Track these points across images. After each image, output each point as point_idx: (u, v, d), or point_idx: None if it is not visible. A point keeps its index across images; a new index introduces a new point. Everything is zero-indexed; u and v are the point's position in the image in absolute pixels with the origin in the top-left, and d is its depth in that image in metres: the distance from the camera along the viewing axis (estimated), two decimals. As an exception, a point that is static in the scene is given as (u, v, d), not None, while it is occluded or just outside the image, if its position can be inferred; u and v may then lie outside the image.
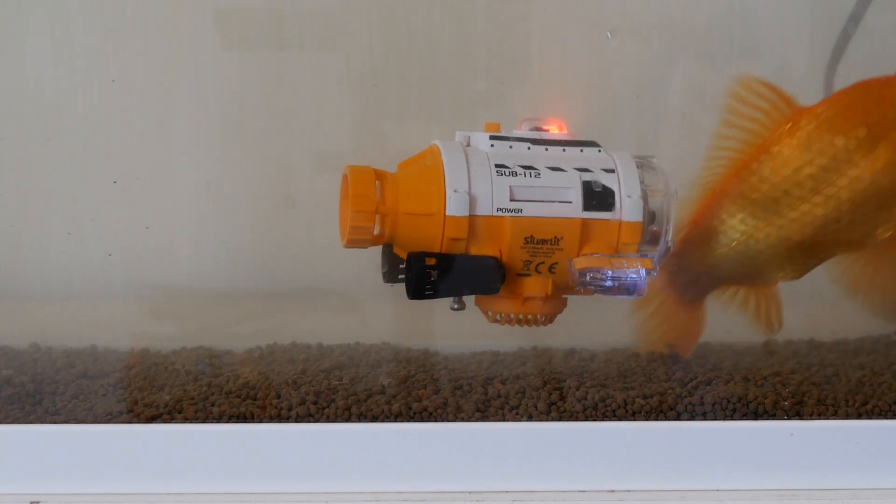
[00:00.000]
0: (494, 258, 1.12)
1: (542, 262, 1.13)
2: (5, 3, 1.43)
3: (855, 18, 1.40)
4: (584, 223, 1.13)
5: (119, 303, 1.42)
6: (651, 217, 1.14)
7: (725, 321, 1.29)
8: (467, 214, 1.11)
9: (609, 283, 1.11)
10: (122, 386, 1.21)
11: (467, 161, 1.13)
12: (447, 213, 1.11)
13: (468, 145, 1.16)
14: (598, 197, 1.13)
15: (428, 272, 1.11)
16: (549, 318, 1.16)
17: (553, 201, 1.13)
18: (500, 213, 1.12)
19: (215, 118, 1.44)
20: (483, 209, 1.12)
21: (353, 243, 1.13)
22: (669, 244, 1.16)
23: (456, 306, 1.16)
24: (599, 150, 1.16)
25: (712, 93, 1.37)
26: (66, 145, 1.44)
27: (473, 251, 1.12)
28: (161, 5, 1.42)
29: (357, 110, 1.43)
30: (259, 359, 1.30)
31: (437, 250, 1.12)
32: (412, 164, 1.15)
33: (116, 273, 1.43)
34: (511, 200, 1.12)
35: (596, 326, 1.32)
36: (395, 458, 1.08)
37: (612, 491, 1.08)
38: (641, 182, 1.14)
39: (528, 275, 1.13)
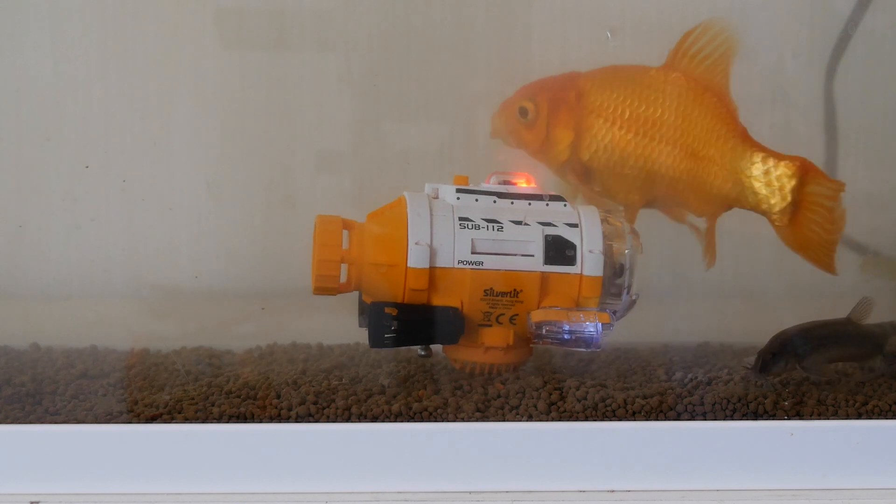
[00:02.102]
0: (454, 309, 1.16)
1: (503, 314, 1.17)
2: (5, 3, 1.43)
3: (854, 19, 1.40)
4: (544, 277, 1.16)
5: (119, 303, 1.42)
6: (619, 271, 1.17)
7: (726, 321, 1.29)
8: (428, 266, 1.15)
9: (565, 337, 1.15)
10: (122, 386, 1.21)
11: (431, 214, 1.16)
12: (408, 265, 1.15)
13: (436, 197, 1.19)
14: (559, 251, 1.16)
15: (386, 321, 1.14)
16: (513, 368, 1.20)
17: (514, 255, 1.16)
18: (461, 266, 1.16)
19: (215, 118, 1.44)
20: (444, 261, 1.16)
21: (320, 290, 1.17)
22: (635, 298, 1.19)
23: (423, 353, 1.19)
24: (565, 205, 1.19)
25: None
26: (66, 145, 1.44)
27: (435, 301, 1.16)
28: (161, 5, 1.42)
29: (357, 110, 1.43)
30: (259, 359, 1.30)
31: (399, 300, 1.16)
32: (379, 214, 1.19)
33: (116, 273, 1.43)
34: (472, 253, 1.16)
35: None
36: (395, 458, 1.08)
37: (612, 491, 1.08)
38: (605, 237, 1.17)
39: (490, 325, 1.17)
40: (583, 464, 1.08)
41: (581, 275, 1.16)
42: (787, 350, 1.16)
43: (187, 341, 1.33)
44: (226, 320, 1.37)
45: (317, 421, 1.12)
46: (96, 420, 1.12)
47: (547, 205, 1.19)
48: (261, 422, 1.12)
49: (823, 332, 1.20)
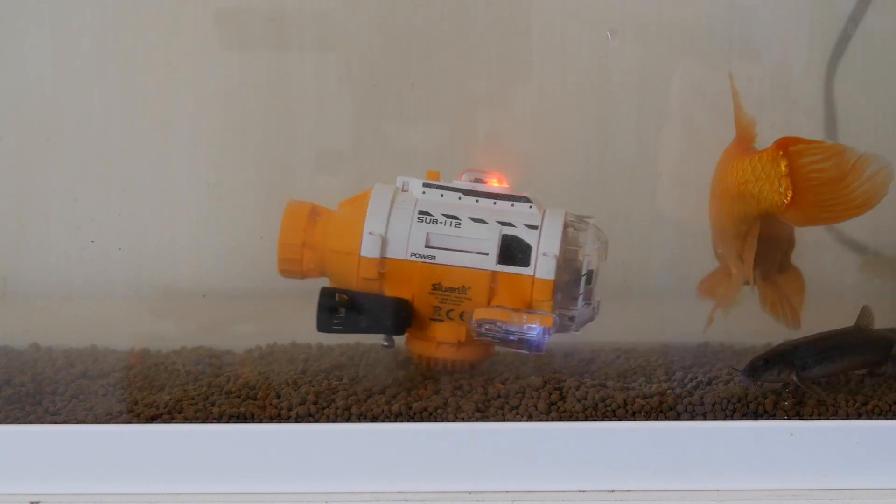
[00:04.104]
0: (403, 300, 1.17)
1: (452, 310, 1.17)
2: (5, 3, 1.43)
3: (854, 19, 1.40)
4: (495, 276, 1.17)
5: (119, 303, 1.42)
6: (587, 277, 1.18)
7: (726, 322, 1.29)
8: (379, 256, 1.16)
9: (504, 336, 1.15)
10: (122, 386, 1.21)
11: (392, 205, 1.18)
12: (361, 254, 1.16)
13: (405, 190, 1.20)
14: (513, 252, 1.17)
15: (331, 307, 1.16)
16: (469, 365, 1.20)
17: (468, 252, 1.17)
18: (413, 258, 1.17)
19: (215, 118, 1.44)
20: (397, 253, 1.17)
21: (285, 273, 1.20)
22: (594, 306, 1.19)
23: (386, 343, 1.21)
24: (531, 206, 1.19)
25: (712, 93, 1.37)
26: (66, 145, 1.44)
27: (388, 292, 1.18)
28: (161, 5, 1.42)
29: (357, 110, 1.43)
30: (259, 359, 1.30)
31: (353, 288, 1.17)
32: (348, 203, 1.20)
33: (116, 273, 1.43)
34: (426, 247, 1.17)
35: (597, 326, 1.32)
36: (395, 458, 1.08)
37: (612, 491, 1.08)
38: (565, 241, 1.17)
39: (441, 320, 1.18)
40: (583, 464, 1.08)
41: (533, 277, 1.17)
42: (783, 360, 1.15)
43: (187, 341, 1.33)
44: (226, 320, 1.37)
45: (317, 421, 1.12)
46: (96, 420, 1.12)
47: (512, 205, 1.19)
48: (261, 422, 1.12)
49: (828, 344, 1.19)
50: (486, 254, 1.17)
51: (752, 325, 1.28)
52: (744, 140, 1.21)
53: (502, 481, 1.07)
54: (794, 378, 1.14)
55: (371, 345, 1.32)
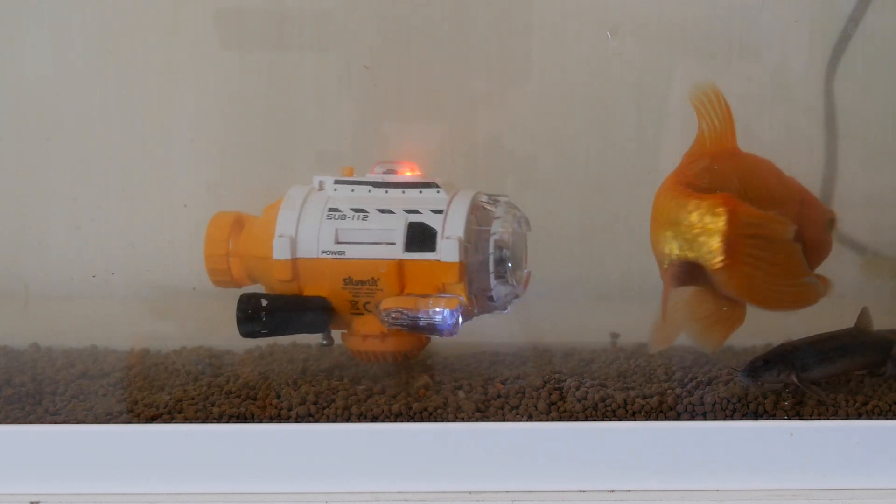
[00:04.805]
0: (320, 298, 1.18)
1: (368, 302, 1.18)
2: (5, 3, 1.43)
3: (854, 19, 1.40)
4: (403, 264, 1.17)
5: (119, 303, 1.42)
6: (498, 255, 1.18)
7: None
8: (290, 257, 1.18)
9: (413, 323, 1.16)
10: (122, 386, 1.21)
11: (303, 206, 1.19)
12: (273, 257, 1.18)
13: (321, 189, 1.21)
14: (419, 238, 1.17)
15: (248, 313, 1.17)
16: (402, 356, 1.21)
17: (377, 243, 1.18)
18: (324, 256, 1.18)
19: (215, 118, 1.44)
20: (309, 252, 1.18)
21: (217, 283, 1.23)
22: (514, 285, 1.19)
23: (325, 342, 1.23)
24: (438, 191, 1.19)
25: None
26: (66, 145, 1.44)
27: (307, 292, 1.19)
28: (161, 5, 1.42)
29: (357, 110, 1.43)
30: (259, 359, 1.30)
31: (275, 291, 1.19)
32: (270, 209, 1.22)
33: (116, 273, 1.43)
34: (336, 243, 1.18)
35: (597, 326, 1.32)
36: (395, 458, 1.08)
37: (612, 491, 1.08)
38: (475, 223, 1.18)
39: (361, 314, 1.19)
40: (583, 464, 1.08)
41: (439, 261, 1.17)
42: (783, 360, 1.15)
43: (187, 341, 1.33)
44: (226, 320, 1.36)
45: (317, 421, 1.12)
46: (96, 420, 1.12)
47: (420, 192, 1.20)
48: (261, 422, 1.12)
49: (827, 346, 1.19)
50: (394, 243, 1.18)
51: (752, 325, 1.28)
52: (687, 173, 1.16)
53: (502, 481, 1.07)
54: (794, 379, 1.14)
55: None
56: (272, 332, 1.18)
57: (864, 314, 1.21)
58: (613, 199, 1.44)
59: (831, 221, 1.23)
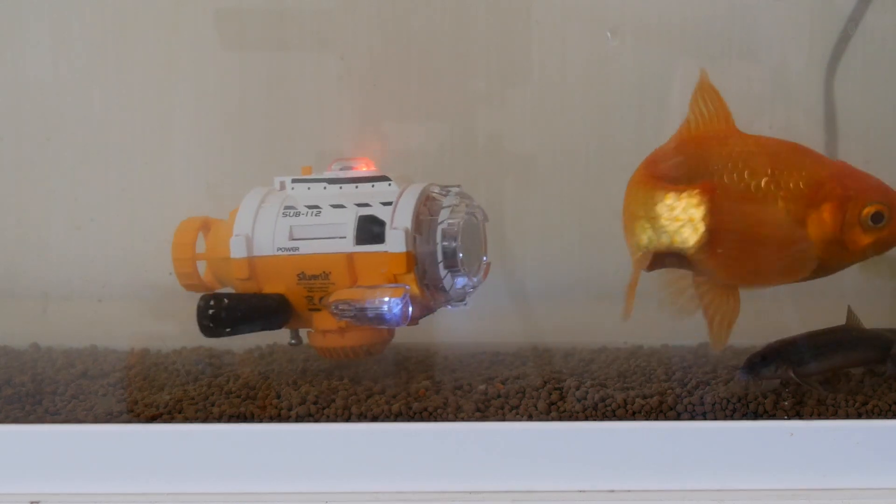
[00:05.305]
0: (278, 296, 1.19)
1: (323, 297, 1.19)
2: (5, 3, 1.43)
3: (854, 19, 1.40)
4: (353, 257, 1.18)
5: (119, 303, 1.42)
6: (447, 246, 1.18)
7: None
8: (246, 256, 1.19)
9: (362, 315, 1.16)
10: (122, 386, 1.21)
11: (260, 206, 1.21)
12: (231, 256, 1.19)
13: (282, 189, 1.23)
14: (368, 231, 1.18)
15: (207, 313, 1.18)
16: (362, 351, 1.21)
17: (330, 238, 1.19)
18: (279, 253, 1.19)
19: (215, 118, 1.44)
20: (265, 250, 1.20)
21: (188, 287, 1.24)
22: (468, 276, 1.20)
23: (293, 341, 1.24)
24: (389, 184, 1.20)
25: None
26: (66, 145, 1.44)
27: (266, 290, 1.20)
28: (161, 5, 1.42)
29: (357, 110, 1.43)
30: (259, 359, 1.30)
31: (237, 291, 1.21)
32: (234, 212, 1.23)
33: (116, 273, 1.43)
34: (290, 240, 1.19)
35: (596, 326, 1.32)
36: (395, 458, 1.08)
37: (612, 491, 1.08)
38: (426, 213, 1.18)
39: (319, 310, 1.20)
40: (583, 464, 1.08)
41: (387, 252, 1.17)
42: (779, 356, 1.16)
43: (187, 341, 1.33)
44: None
45: (317, 421, 1.12)
46: (96, 420, 1.12)
47: (373, 186, 1.21)
48: (261, 422, 1.12)
49: (822, 340, 1.19)
50: (345, 237, 1.18)
51: (751, 326, 1.28)
52: (661, 166, 1.17)
53: (502, 481, 1.07)
54: (791, 374, 1.14)
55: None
56: (233, 332, 1.19)
57: (849, 312, 1.21)
58: (613, 199, 1.44)
59: (875, 216, 1.14)
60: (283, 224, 1.20)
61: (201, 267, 1.25)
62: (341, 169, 1.23)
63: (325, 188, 1.22)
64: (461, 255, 1.18)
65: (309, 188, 1.22)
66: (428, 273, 1.18)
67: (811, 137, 1.42)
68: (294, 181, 1.23)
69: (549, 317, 1.36)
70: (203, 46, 1.42)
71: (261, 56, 1.42)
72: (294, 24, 1.41)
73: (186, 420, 1.12)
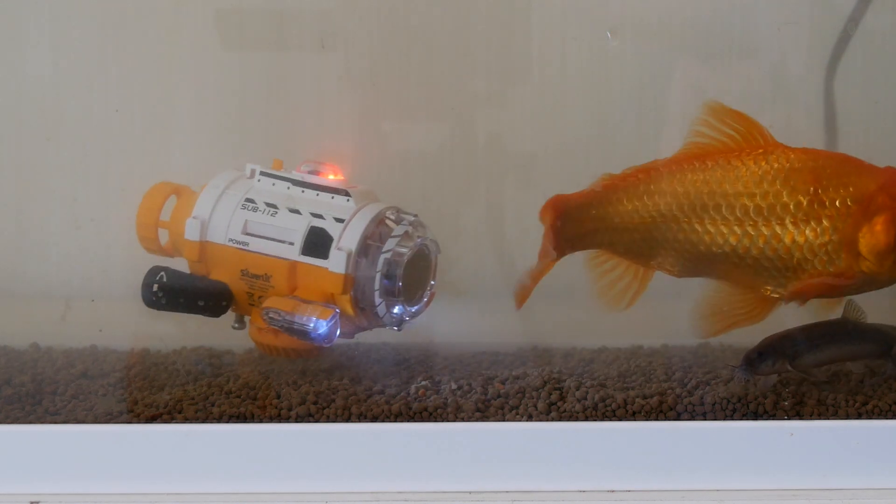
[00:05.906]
0: (219, 283, 1.20)
1: (262, 297, 1.19)
2: (5, 3, 1.43)
3: (854, 19, 1.40)
4: (296, 266, 1.19)
5: (119, 303, 1.42)
6: (387, 274, 1.18)
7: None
8: (198, 240, 1.20)
9: (288, 326, 1.16)
10: (122, 386, 1.21)
11: (224, 191, 1.21)
12: (184, 237, 1.20)
13: (251, 178, 1.23)
14: (315, 244, 1.18)
15: (151, 285, 1.19)
16: (294, 353, 1.20)
17: (279, 241, 1.19)
18: (229, 244, 1.20)
19: (215, 118, 1.44)
20: (217, 237, 1.20)
21: (148, 251, 1.25)
22: (405, 306, 1.20)
23: (235, 325, 1.25)
24: (348, 200, 1.20)
25: (712, 93, 1.37)
26: (66, 145, 1.44)
27: (214, 275, 1.21)
28: (161, 5, 1.42)
29: (357, 110, 1.43)
30: (259, 359, 1.30)
31: (188, 270, 1.22)
32: (205, 186, 1.23)
33: (116, 273, 1.43)
34: (243, 234, 1.20)
35: (595, 326, 1.32)
36: (395, 458, 1.08)
37: (612, 491, 1.08)
38: (374, 238, 1.18)
39: (258, 307, 1.20)
40: (583, 464, 1.08)
41: (328, 270, 1.17)
42: (775, 350, 1.15)
43: (187, 341, 1.33)
44: (225, 319, 1.36)
45: (317, 421, 1.12)
46: (96, 420, 1.12)
47: (333, 198, 1.21)
48: (261, 422, 1.12)
49: (817, 332, 1.19)
50: (293, 244, 1.19)
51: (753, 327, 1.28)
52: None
53: (502, 481, 1.07)
54: (789, 367, 1.15)
55: (371, 345, 1.33)
56: (171, 308, 1.20)
57: (849, 305, 1.21)
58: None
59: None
60: (239, 216, 1.20)
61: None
62: (308, 172, 1.23)
63: (288, 188, 1.22)
64: (400, 284, 1.18)
65: (274, 184, 1.22)
66: (366, 297, 1.18)
67: (811, 137, 1.42)
68: (262, 174, 1.23)
69: (549, 317, 1.36)
70: (203, 46, 1.42)
71: (261, 56, 1.41)
72: (294, 24, 1.41)
73: (186, 420, 1.12)
